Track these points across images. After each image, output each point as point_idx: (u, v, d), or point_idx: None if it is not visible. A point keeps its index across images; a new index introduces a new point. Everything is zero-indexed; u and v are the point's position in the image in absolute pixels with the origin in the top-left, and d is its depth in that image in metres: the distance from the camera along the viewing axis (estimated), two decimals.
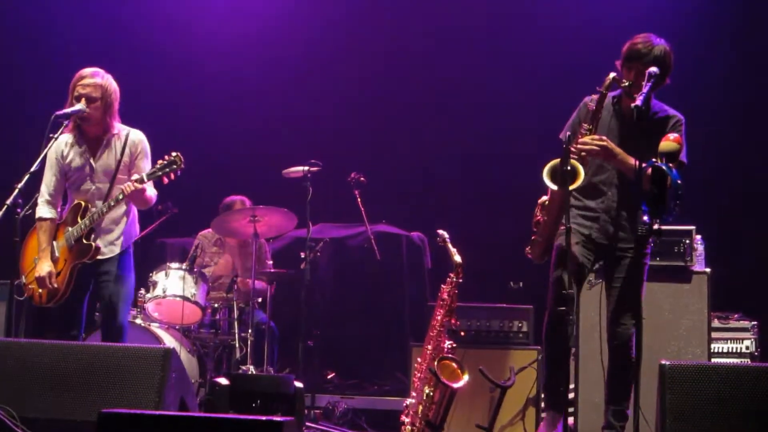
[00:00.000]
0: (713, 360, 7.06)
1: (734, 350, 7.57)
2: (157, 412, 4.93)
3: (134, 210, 6.58)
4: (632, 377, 5.43)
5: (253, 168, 10.24)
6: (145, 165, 6.43)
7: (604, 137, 5.75)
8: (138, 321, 7.98)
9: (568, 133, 5.87)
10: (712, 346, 7.04)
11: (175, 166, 6.21)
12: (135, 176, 6.24)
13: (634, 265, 5.85)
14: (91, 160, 6.41)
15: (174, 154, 6.24)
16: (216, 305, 8.33)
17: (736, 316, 7.68)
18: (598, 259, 6.06)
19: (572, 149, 5.64)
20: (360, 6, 10.66)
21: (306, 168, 8.23)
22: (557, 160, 5.56)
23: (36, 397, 5.32)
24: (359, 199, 9.02)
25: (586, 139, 5.72)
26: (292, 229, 8.54)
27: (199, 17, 10.60)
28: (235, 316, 8.19)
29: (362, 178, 8.97)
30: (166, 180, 6.25)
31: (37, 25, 10.35)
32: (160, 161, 6.25)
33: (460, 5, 10.44)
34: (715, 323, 7.37)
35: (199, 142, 10.46)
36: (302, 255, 8.22)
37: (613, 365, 5.96)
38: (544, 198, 6.00)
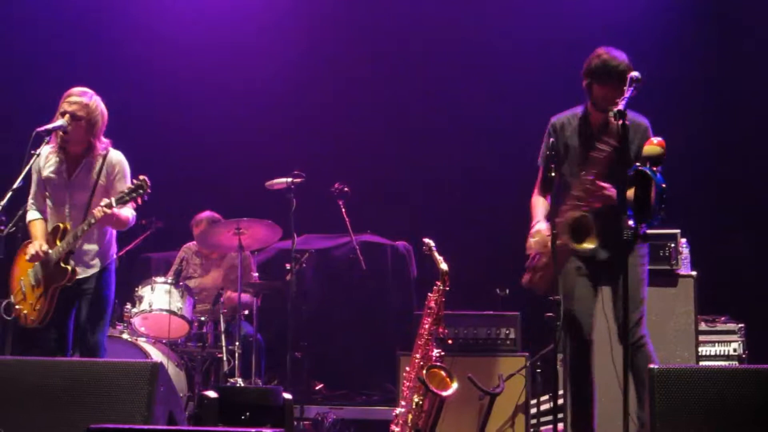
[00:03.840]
0: (701, 363, 7.07)
1: (722, 353, 7.57)
2: (146, 427, 4.91)
3: (111, 229, 6.56)
4: None
5: (236, 180, 10.24)
6: (123, 187, 6.37)
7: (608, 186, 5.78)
8: (125, 336, 7.96)
9: (552, 166, 5.85)
10: (700, 349, 7.05)
11: (141, 191, 6.19)
12: (104, 201, 6.21)
13: (632, 269, 5.82)
14: (68, 179, 6.40)
15: (141, 178, 6.21)
16: (202, 318, 8.30)
17: (722, 318, 7.68)
18: (599, 279, 6.05)
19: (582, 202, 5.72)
20: (343, 17, 10.67)
21: (289, 179, 8.21)
22: (575, 215, 5.72)
23: (23, 414, 5.27)
24: (343, 210, 9.00)
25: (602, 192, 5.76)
26: (276, 240, 8.52)
27: (179, 31, 10.57)
28: (222, 329, 8.16)
29: (346, 189, 8.96)
30: (133, 204, 6.27)
31: (22, 41, 10.32)
32: (128, 185, 6.23)
33: (443, 19, 10.46)
34: (702, 326, 7.38)
35: (182, 156, 10.45)
36: (288, 266, 8.21)
37: (638, 371, 5.78)
38: (541, 233, 5.97)
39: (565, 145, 6.00)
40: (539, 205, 6.15)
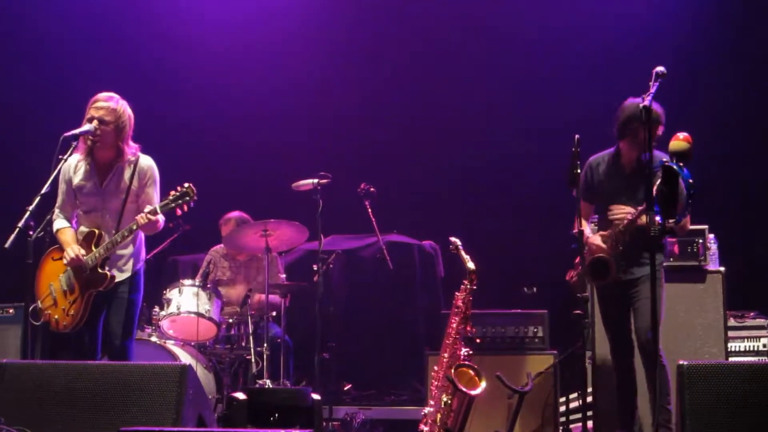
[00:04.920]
0: (730, 359, 7.04)
1: (751, 348, 7.54)
2: (176, 429, 4.94)
3: (141, 233, 6.57)
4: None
5: (262, 182, 10.25)
6: (154, 192, 6.41)
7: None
8: (153, 339, 7.98)
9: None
10: (729, 344, 7.02)
11: (188, 198, 6.19)
12: (148, 207, 6.21)
13: (650, 286, 5.99)
14: (101, 186, 6.41)
15: (186, 185, 6.21)
16: (230, 320, 8.32)
17: (752, 314, 7.66)
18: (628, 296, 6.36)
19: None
20: (365, 19, 10.67)
21: (316, 180, 8.22)
22: (594, 257, 6.22)
23: (53, 417, 5.31)
24: (370, 210, 8.99)
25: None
26: (303, 242, 8.53)
27: (205, 34, 10.61)
28: (250, 331, 8.17)
29: (372, 189, 8.95)
30: (179, 211, 6.26)
31: (49, 47, 10.38)
32: (172, 192, 6.22)
33: (468, 18, 10.45)
34: (731, 322, 7.36)
35: (208, 158, 10.48)
36: (315, 267, 8.22)
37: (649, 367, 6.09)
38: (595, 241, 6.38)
39: (599, 182, 6.53)
40: (585, 227, 6.50)
